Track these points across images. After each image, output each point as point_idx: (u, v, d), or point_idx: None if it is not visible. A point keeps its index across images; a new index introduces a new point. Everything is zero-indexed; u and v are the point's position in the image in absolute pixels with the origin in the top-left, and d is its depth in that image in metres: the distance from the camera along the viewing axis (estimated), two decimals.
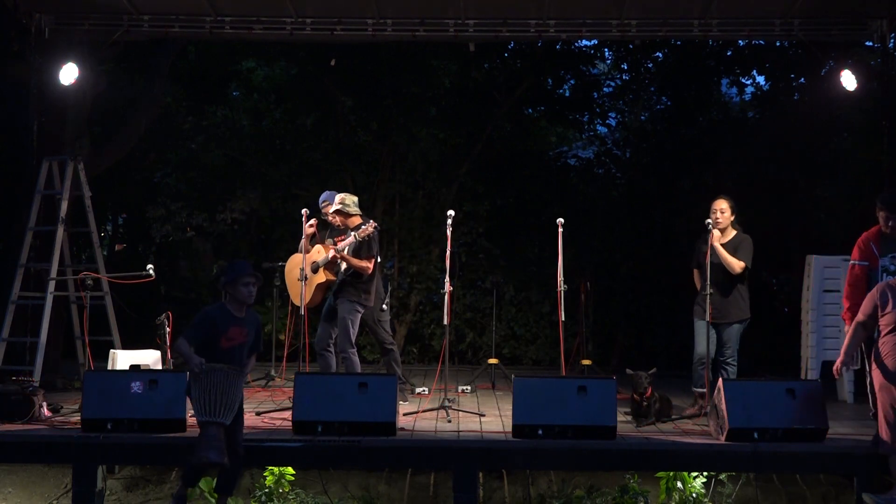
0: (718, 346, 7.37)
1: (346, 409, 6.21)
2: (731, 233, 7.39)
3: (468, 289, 12.21)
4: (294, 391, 6.36)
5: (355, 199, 7.81)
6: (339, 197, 7.75)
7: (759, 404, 6.21)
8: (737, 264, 7.23)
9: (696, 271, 7.54)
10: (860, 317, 5.84)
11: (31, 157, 8.78)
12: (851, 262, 6.33)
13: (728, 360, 7.35)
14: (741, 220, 7.51)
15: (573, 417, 6.20)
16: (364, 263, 7.55)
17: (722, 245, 7.27)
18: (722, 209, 7.35)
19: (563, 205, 11.91)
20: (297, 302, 8.06)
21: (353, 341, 7.54)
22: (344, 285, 7.64)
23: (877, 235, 6.32)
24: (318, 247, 8.01)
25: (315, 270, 7.87)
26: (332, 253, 7.65)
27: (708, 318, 7.08)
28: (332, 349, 7.69)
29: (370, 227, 7.49)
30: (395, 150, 12.19)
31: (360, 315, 7.63)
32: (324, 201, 8.18)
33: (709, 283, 7.07)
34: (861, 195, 10.43)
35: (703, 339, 7.23)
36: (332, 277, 7.82)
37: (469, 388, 8.76)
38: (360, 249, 7.59)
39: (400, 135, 12.11)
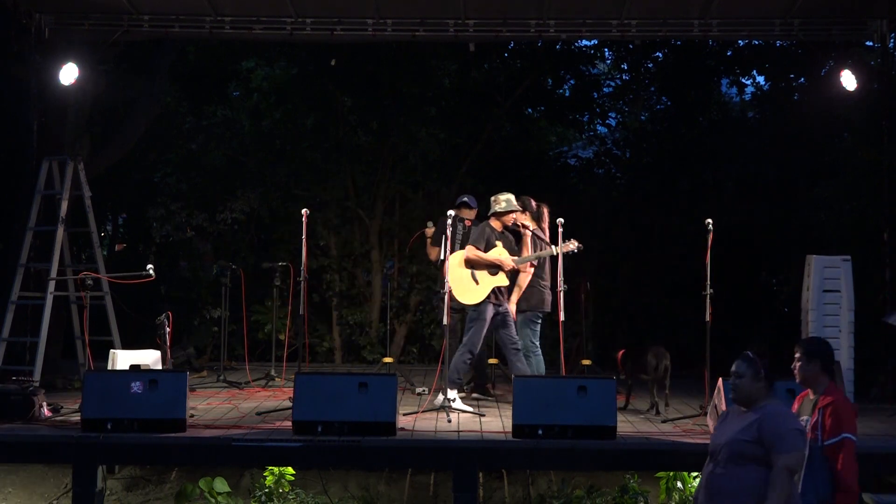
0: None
1: (346, 409, 6.21)
2: None
3: None
4: (294, 391, 6.35)
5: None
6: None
7: None
8: None
9: None
10: None
11: (31, 157, 8.79)
12: None
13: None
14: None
15: (573, 417, 6.19)
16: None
17: None
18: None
19: (563, 205, 11.89)
20: (464, 300, 7.55)
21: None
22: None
23: None
24: (499, 248, 7.71)
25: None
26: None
27: (708, 317, 7.09)
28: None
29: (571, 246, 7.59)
30: (395, 150, 12.18)
31: None
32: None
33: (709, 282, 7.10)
34: (861, 195, 10.41)
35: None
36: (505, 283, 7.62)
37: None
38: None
39: (400, 135, 12.10)
